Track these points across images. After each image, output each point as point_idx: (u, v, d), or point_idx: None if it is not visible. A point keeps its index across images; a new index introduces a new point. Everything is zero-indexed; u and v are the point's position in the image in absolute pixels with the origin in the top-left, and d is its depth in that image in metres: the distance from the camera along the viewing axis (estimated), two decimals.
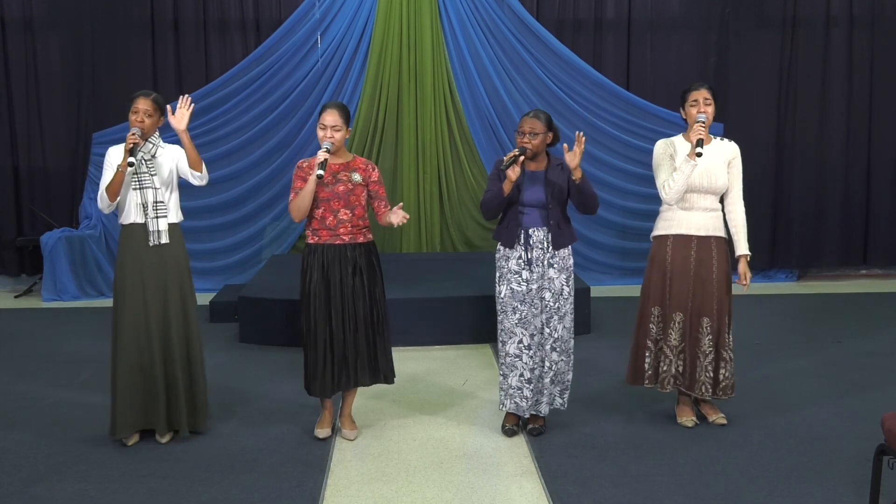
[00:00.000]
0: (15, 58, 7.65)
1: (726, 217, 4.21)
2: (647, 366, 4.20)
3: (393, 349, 4.19)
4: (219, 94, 7.58)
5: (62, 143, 7.73)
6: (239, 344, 5.89)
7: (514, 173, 3.85)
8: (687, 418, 4.24)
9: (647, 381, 4.21)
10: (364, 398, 4.63)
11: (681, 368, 4.14)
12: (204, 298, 6.71)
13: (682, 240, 4.11)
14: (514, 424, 4.17)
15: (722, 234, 4.16)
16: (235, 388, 4.88)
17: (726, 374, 4.14)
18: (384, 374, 4.14)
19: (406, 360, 5.44)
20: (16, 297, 7.55)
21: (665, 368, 4.14)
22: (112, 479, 3.66)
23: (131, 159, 3.77)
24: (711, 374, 4.12)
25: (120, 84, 7.36)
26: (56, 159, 7.75)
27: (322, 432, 4.10)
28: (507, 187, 3.89)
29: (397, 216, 3.96)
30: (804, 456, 3.85)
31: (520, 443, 4.07)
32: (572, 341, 4.11)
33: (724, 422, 4.22)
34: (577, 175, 3.86)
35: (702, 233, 4.10)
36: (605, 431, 4.19)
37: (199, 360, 4.10)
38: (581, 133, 3.85)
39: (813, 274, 8.26)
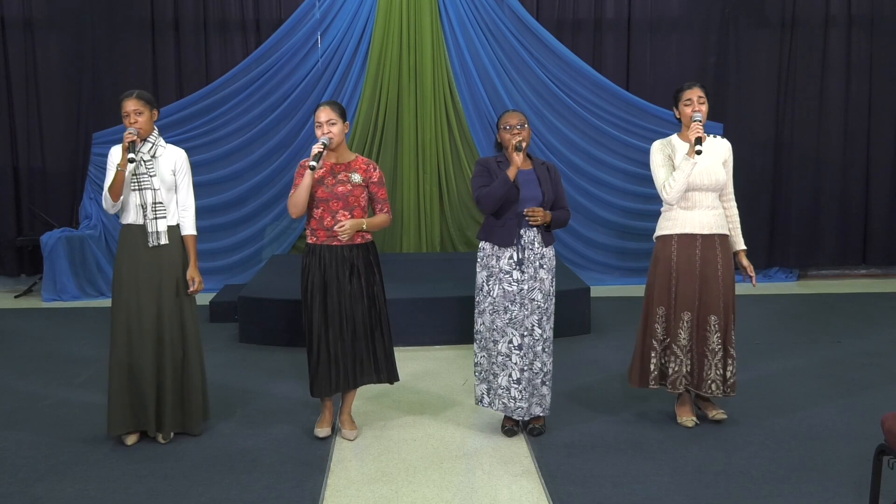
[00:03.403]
0: (15, 58, 7.66)
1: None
2: (652, 367, 4.19)
3: (393, 349, 4.18)
4: (219, 95, 7.59)
5: (62, 143, 7.74)
6: (239, 344, 5.89)
7: (519, 158, 3.90)
8: (687, 418, 4.24)
9: (652, 383, 4.20)
10: (364, 399, 4.63)
11: (689, 368, 4.14)
12: (204, 298, 6.72)
13: (687, 239, 4.11)
14: (513, 424, 4.17)
15: (725, 231, 4.17)
16: (235, 388, 4.88)
17: (733, 371, 4.15)
18: (387, 373, 4.13)
19: (406, 360, 5.45)
20: (16, 297, 7.56)
21: (676, 369, 4.13)
22: (112, 479, 3.66)
23: (131, 155, 3.75)
24: (721, 372, 4.12)
25: (120, 84, 7.34)
26: (56, 159, 7.77)
27: (322, 431, 4.10)
28: (512, 173, 3.91)
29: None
30: (804, 456, 3.85)
31: (520, 443, 4.07)
32: (553, 341, 4.13)
33: (724, 416, 4.22)
34: (547, 220, 3.99)
35: (705, 231, 4.10)
36: (605, 431, 4.19)
37: (197, 362, 4.06)
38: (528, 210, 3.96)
39: (811, 274, 8.27)
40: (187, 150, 4.15)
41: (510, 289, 4.00)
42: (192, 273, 4.01)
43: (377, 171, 4.07)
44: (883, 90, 7.99)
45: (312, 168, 3.80)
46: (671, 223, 4.14)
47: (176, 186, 4.00)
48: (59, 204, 7.77)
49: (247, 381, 5.01)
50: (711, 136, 4.22)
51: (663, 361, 4.18)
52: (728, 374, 4.14)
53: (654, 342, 4.18)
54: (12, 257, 7.80)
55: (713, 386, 4.12)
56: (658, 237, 4.21)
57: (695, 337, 4.12)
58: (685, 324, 4.11)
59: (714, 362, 4.11)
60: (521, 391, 4.02)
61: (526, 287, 4.00)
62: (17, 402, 4.66)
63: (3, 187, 7.74)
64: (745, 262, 4.24)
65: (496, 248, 4.03)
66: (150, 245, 3.91)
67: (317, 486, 3.59)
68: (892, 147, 8.10)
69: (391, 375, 4.15)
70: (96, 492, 3.54)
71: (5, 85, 7.66)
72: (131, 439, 4.02)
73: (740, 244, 4.23)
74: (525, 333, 4.01)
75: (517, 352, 4.00)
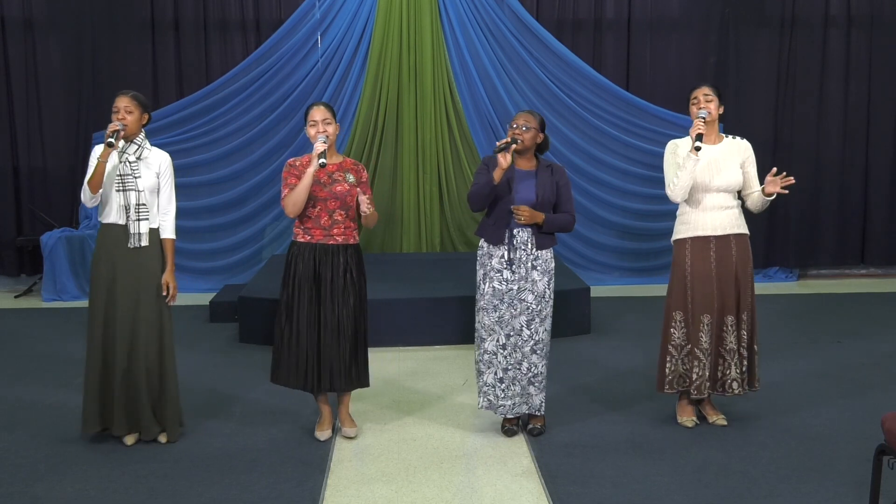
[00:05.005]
0: (15, 58, 7.66)
1: (748, 202, 4.18)
2: (668, 371, 4.17)
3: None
4: (219, 95, 7.58)
5: (62, 143, 7.74)
6: (239, 344, 5.89)
7: (505, 161, 3.86)
8: (687, 418, 4.23)
9: (667, 387, 4.17)
10: (363, 399, 4.63)
11: (710, 371, 4.12)
12: (204, 298, 6.76)
13: (701, 242, 4.09)
14: (513, 424, 4.17)
15: (742, 230, 4.14)
16: (235, 388, 4.88)
17: (753, 367, 4.15)
18: (359, 378, 4.10)
19: (406, 359, 5.45)
20: (16, 297, 7.56)
21: (699, 373, 4.09)
22: (112, 479, 3.66)
23: (111, 140, 3.73)
24: (741, 370, 4.11)
25: (120, 84, 7.24)
26: (56, 159, 7.77)
27: (323, 434, 4.10)
28: (497, 175, 3.89)
29: (363, 203, 3.94)
30: (804, 456, 3.86)
31: (520, 443, 4.08)
32: (549, 344, 4.12)
33: (725, 423, 4.21)
34: (539, 220, 3.95)
35: (719, 232, 4.08)
36: (605, 431, 4.19)
37: (172, 368, 4.02)
38: (517, 207, 3.93)
39: (811, 273, 8.28)
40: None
41: (500, 287, 4.00)
42: (166, 278, 3.95)
43: (364, 171, 4.13)
44: (882, 90, 7.99)
45: (323, 165, 3.81)
46: (685, 226, 4.13)
47: (159, 189, 3.98)
48: (59, 204, 7.76)
49: (247, 381, 5.01)
50: (730, 137, 4.20)
51: (685, 367, 4.14)
52: (747, 370, 4.13)
53: (670, 347, 4.16)
54: (12, 257, 7.80)
55: (734, 385, 4.11)
56: (674, 241, 4.19)
57: (713, 339, 4.10)
58: (705, 326, 4.08)
59: (732, 362, 4.10)
60: (504, 390, 4.04)
61: (515, 287, 3.99)
62: (17, 402, 4.66)
63: (3, 187, 7.74)
64: (769, 181, 4.03)
65: (490, 246, 4.04)
66: (131, 246, 3.90)
67: (317, 486, 3.59)
68: (892, 147, 8.10)
69: (364, 380, 4.13)
70: (96, 492, 3.54)
71: (5, 85, 7.66)
72: (130, 439, 4.01)
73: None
74: (512, 333, 4.01)
75: (502, 351, 4.02)
